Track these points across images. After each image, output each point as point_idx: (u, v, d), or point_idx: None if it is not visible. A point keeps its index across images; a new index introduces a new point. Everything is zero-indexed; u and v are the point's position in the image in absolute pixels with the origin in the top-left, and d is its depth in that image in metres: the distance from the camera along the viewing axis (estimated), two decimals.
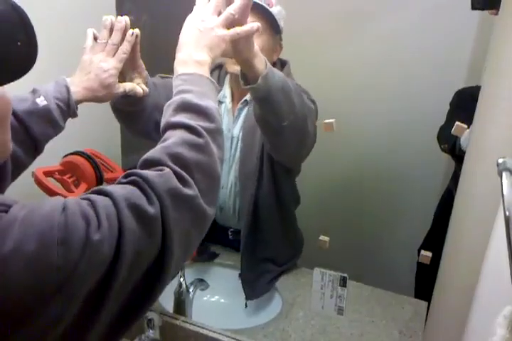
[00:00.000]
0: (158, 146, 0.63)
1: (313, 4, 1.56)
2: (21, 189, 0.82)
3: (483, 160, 0.73)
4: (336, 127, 1.01)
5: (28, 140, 0.79)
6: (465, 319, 0.74)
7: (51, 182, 0.91)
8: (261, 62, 0.86)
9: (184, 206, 0.58)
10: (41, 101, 0.79)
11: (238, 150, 1.23)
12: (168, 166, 0.59)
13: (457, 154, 1.21)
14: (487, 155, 0.72)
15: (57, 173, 0.94)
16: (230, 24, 0.76)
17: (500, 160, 0.52)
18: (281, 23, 1.15)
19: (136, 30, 0.89)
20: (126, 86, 0.91)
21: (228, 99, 1.26)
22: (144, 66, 0.96)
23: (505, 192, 0.49)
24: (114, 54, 0.88)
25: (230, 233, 1.38)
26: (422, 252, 1.00)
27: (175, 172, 0.58)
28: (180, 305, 1.12)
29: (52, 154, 0.87)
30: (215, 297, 1.36)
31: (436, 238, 1.16)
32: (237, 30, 0.76)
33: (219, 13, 0.76)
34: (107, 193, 0.54)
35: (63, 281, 0.48)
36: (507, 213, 0.47)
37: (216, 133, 0.66)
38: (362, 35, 1.58)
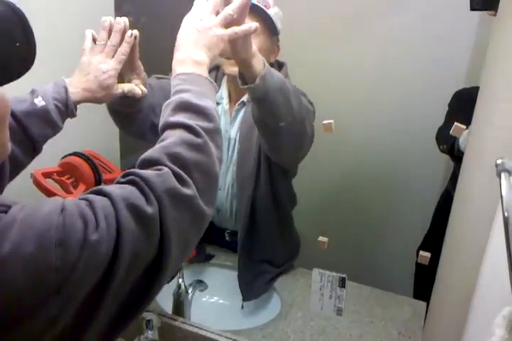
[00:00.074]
0: (157, 146, 0.63)
1: (313, 6, 1.57)
2: (20, 190, 0.82)
3: (482, 161, 0.73)
4: (335, 128, 1.01)
5: (26, 140, 0.79)
6: (464, 319, 0.74)
7: (50, 184, 0.91)
8: (259, 63, 0.86)
9: (183, 206, 0.58)
10: (39, 102, 0.79)
11: (235, 152, 1.23)
12: (166, 166, 0.59)
13: (456, 155, 1.21)
14: (485, 156, 0.72)
15: (55, 174, 0.94)
16: (229, 24, 0.76)
17: (499, 161, 0.52)
18: (278, 25, 1.15)
19: (135, 32, 0.89)
20: (125, 87, 0.91)
21: (225, 100, 1.26)
22: (142, 67, 0.96)
23: (503, 193, 0.49)
24: (113, 55, 0.88)
25: (226, 234, 1.38)
26: (421, 253, 1.00)
27: (173, 172, 0.58)
28: (179, 306, 1.12)
29: (50, 155, 0.87)
30: (213, 298, 1.36)
31: (434, 238, 1.16)
32: (236, 29, 0.76)
33: (217, 13, 0.76)
34: (106, 193, 0.54)
35: (61, 282, 0.48)
36: (506, 214, 0.47)
37: (215, 133, 0.66)
38: (361, 37, 1.58)
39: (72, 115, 0.86)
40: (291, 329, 1.15)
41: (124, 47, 0.88)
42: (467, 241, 0.79)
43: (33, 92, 0.80)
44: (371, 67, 1.59)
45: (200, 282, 1.13)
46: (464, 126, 0.88)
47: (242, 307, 1.26)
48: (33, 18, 0.91)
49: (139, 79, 0.96)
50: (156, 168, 0.59)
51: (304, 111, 1.00)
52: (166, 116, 0.67)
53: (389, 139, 1.65)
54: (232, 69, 1.12)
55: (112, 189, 0.55)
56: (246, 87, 0.88)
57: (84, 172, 0.93)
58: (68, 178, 0.94)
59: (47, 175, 0.92)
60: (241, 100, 1.23)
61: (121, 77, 0.93)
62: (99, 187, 0.57)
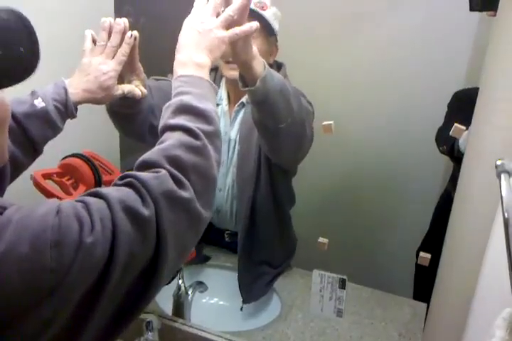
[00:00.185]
0: (156, 148, 0.62)
1: (313, 6, 1.56)
2: (20, 191, 0.82)
3: (482, 161, 0.73)
4: (335, 129, 1.01)
5: (26, 141, 0.79)
6: (464, 321, 0.74)
7: (50, 185, 0.91)
8: (259, 65, 0.86)
9: (179, 208, 0.58)
10: (39, 103, 0.79)
11: (235, 153, 1.23)
12: (164, 168, 0.59)
13: (456, 156, 1.21)
14: (485, 157, 0.72)
15: (55, 176, 0.93)
16: (229, 25, 0.76)
17: (499, 162, 0.52)
18: (275, 25, 1.15)
19: (135, 32, 0.89)
20: (125, 88, 0.91)
21: (225, 102, 1.26)
22: (141, 68, 0.96)
23: (503, 194, 0.49)
24: (113, 56, 0.88)
25: (226, 235, 1.38)
26: (421, 254, 1.00)
27: (171, 175, 0.58)
28: (179, 308, 1.12)
29: (50, 156, 0.87)
30: (214, 299, 1.36)
31: (434, 240, 1.16)
32: (236, 30, 0.76)
33: (218, 14, 0.76)
34: (102, 195, 0.54)
35: (56, 284, 0.48)
36: (506, 215, 0.47)
37: (214, 136, 0.66)
38: (361, 37, 1.58)
39: (73, 116, 0.86)
40: (291, 330, 1.15)
41: (124, 48, 0.88)
42: (467, 242, 0.79)
43: (33, 94, 0.80)
44: (370, 67, 1.59)
45: (200, 283, 1.13)
46: (463, 127, 0.88)
47: (241, 309, 1.26)
48: (32, 19, 0.91)
49: (139, 80, 0.96)
50: (153, 170, 0.59)
51: (304, 112, 1.00)
52: (166, 118, 0.66)
53: (388, 140, 1.65)
54: (231, 72, 1.12)
55: (109, 191, 0.55)
56: (246, 89, 0.88)
57: (84, 173, 0.93)
58: (68, 179, 0.93)
59: (47, 176, 0.92)
60: (240, 101, 1.23)
61: (121, 78, 0.93)
62: (96, 189, 0.57)
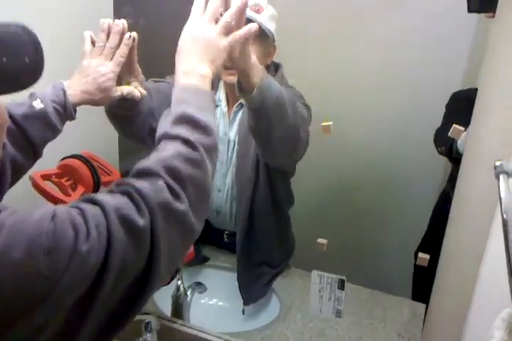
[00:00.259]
0: (154, 157, 0.62)
1: (313, 7, 1.57)
2: (19, 192, 0.82)
3: (480, 162, 0.73)
4: (334, 129, 1.01)
5: (26, 144, 0.79)
6: (463, 321, 0.74)
7: (48, 186, 0.91)
8: (257, 74, 0.86)
9: (174, 220, 0.58)
10: (37, 104, 0.79)
11: (235, 154, 1.23)
12: (162, 178, 0.59)
13: (454, 156, 1.21)
14: (484, 158, 0.72)
15: (54, 176, 0.93)
16: (229, 30, 0.75)
17: (497, 163, 0.52)
18: (272, 27, 1.14)
19: (134, 34, 0.89)
20: (124, 89, 0.91)
21: (223, 103, 1.26)
22: (140, 70, 0.96)
23: (502, 195, 0.49)
24: (112, 57, 0.88)
25: (225, 236, 1.38)
26: (420, 254, 1.00)
27: (168, 186, 0.58)
28: (178, 309, 1.11)
29: (49, 157, 0.87)
30: (213, 300, 1.35)
31: (433, 240, 1.16)
32: (235, 35, 0.75)
33: (216, 20, 0.75)
34: (98, 202, 0.54)
35: (49, 291, 0.48)
36: (504, 216, 0.47)
37: (212, 149, 0.66)
38: (360, 38, 1.58)
39: (72, 118, 0.86)
40: (291, 331, 1.15)
41: (123, 50, 0.88)
42: (466, 242, 0.79)
43: (31, 96, 0.80)
44: (369, 68, 1.59)
45: (199, 284, 1.13)
46: (462, 128, 0.89)
47: (243, 312, 1.26)
48: (32, 20, 0.91)
49: (138, 82, 0.96)
50: (151, 179, 0.58)
51: (299, 118, 1.00)
52: (165, 126, 0.66)
53: (387, 140, 1.65)
54: (230, 78, 1.12)
55: (105, 198, 0.55)
56: (242, 98, 0.89)
57: (83, 174, 0.93)
58: (67, 180, 0.93)
59: (46, 177, 0.91)
60: (239, 102, 1.23)
61: (120, 79, 0.93)
62: (92, 195, 0.56)
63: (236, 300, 1.26)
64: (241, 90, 0.89)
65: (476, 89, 0.77)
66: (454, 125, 0.89)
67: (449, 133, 0.90)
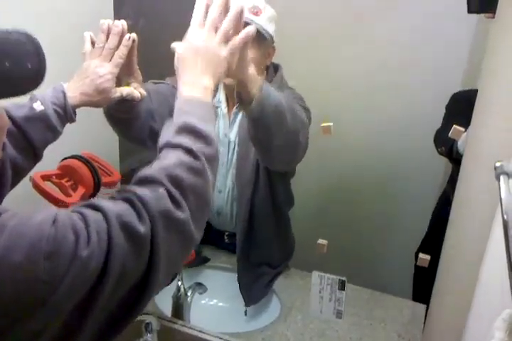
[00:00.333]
0: (156, 165, 0.63)
1: (313, 8, 1.57)
2: (19, 193, 0.82)
3: (481, 163, 0.73)
4: (334, 130, 1.01)
5: (27, 146, 0.79)
6: (463, 322, 0.74)
7: (49, 186, 0.91)
8: (256, 85, 0.86)
9: (174, 229, 0.58)
10: (38, 106, 0.79)
11: (235, 155, 1.24)
12: (164, 186, 0.59)
13: (454, 157, 1.21)
14: (484, 159, 0.72)
15: (54, 177, 0.93)
16: (228, 38, 0.75)
17: (498, 164, 0.52)
18: (271, 28, 1.13)
19: (133, 35, 0.89)
20: (124, 90, 0.91)
21: (223, 104, 1.26)
22: (139, 71, 0.96)
23: (503, 196, 0.49)
24: (111, 58, 0.87)
25: (226, 236, 1.38)
26: (420, 255, 1.00)
27: (169, 194, 0.59)
28: (179, 309, 1.11)
29: (49, 158, 0.87)
30: (213, 300, 1.35)
31: (433, 241, 1.16)
32: (235, 41, 0.75)
33: (216, 29, 0.75)
34: (99, 208, 0.55)
35: (48, 295, 0.48)
36: (505, 216, 0.47)
37: (213, 158, 0.67)
38: (360, 38, 1.58)
39: (72, 120, 0.86)
40: (291, 332, 1.15)
41: (122, 51, 0.87)
42: (466, 243, 0.79)
43: (31, 98, 0.80)
44: (369, 69, 1.59)
45: (200, 284, 1.13)
46: (462, 129, 0.89)
47: (246, 313, 1.26)
48: (32, 21, 0.91)
49: (137, 83, 0.96)
50: (152, 187, 0.59)
51: (299, 123, 0.99)
52: (168, 135, 0.66)
53: (387, 141, 1.65)
54: (229, 79, 1.12)
55: (107, 204, 0.55)
56: (243, 108, 0.89)
57: (83, 175, 0.93)
58: (67, 181, 0.93)
59: (46, 177, 0.91)
60: (239, 103, 1.23)
61: (119, 81, 0.93)
62: (93, 201, 0.57)
63: (236, 301, 1.26)
64: (240, 101, 0.89)
65: (477, 90, 0.77)
66: (454, 126, 0.89)
67: (449, 134, 0.90)
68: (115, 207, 0.55)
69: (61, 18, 1.08)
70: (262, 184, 1.19)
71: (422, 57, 1.52)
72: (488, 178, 0.55)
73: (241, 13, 0.74)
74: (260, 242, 1.25)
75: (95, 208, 0.55)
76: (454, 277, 0.83)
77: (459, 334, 0.75)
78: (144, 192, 0.58)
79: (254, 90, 0.86)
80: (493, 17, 0.73)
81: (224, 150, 1.25)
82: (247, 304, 1.25)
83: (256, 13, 1.09)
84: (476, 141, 0.77)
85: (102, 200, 0.56)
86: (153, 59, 1.44)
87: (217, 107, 1.25)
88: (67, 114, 0.83)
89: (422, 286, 1.24)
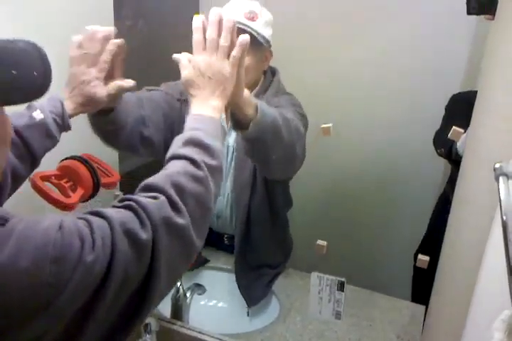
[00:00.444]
0: (161, 173, 0.66)
1: (313, 8, 1.57)
2: (18, 194, 0.82)
3: (480, 164, 0.73)
4: (333, 131, 1.01)
5: (27, 154, 0.81)
6: (463, 323, 0.74)
7: (48, 187, 0.91)
8: (251, 108, 0.86)
9: (175, 234, 0.60)
10: (38, 115, 0.80)
11: (233, 159, 1.24)
12: (166, 193, 0.62)
13: (454, 158, 1.21)
14: (484, 160, 0.72)
15: (53, 178, 0.93)
16: (228, 51, 0.78)
17: (497, 165, 0.52)
18: (267, 33, 1.13)
19: (118, 40, 0.89)
20: (110, 87, 0.89)
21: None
22: (122, 78, 0.94)
23: (502, 197, 0.49)
24: (96, 64, 0.88)
25: (225, 239, 1.39)
26: (419, 256, 1.00)
27: (170, 200, 0.61)
28: (178, 310, 1.11)
29: (49, 159, 0.87)
30: (212, 301, 1.35)
31: (432, 242, 1.16)
32: (234, 54, 0.77)
33: (217, 47, 0.77)
34: (104, 216, 0.56)
35: (52, 299, 0.49)
36: (504, 217, 0.47)
37: (216, 170, 0.70)
38: (360, 40, 1.58)
39: (68, 128, 0.87)
40: (290, 332, 1.15)
41: (105, 56, 0.88)
42: (466, 244, 0.79)
43: (29, 107, 0.81)
44: (369, 70, 1.59)
45: (199, 285, 1.13)
46: (462, 130, 0.89)
47: (248, 314, 1.27)
48: (32, 21, 0.91)
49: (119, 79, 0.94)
50: (153, 195, 0.61)
51: (295, 136, 0.99)
52: (175, 147, 0.70)
53: (387, 142, 1.65)
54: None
55: (110, 212, 0.57)
56: (238, 130, 0.89)
57: (82, 175, 0.93)
58: (66, 182, 0.93)
59: (45, 178, 0.91)
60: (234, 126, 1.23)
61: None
62: (98, 209, 0.58)
63: (235, 302, 1.26)
64: (236, 124, 0.88)
65: (476, 92, 0.77)
66: (453, 127, 0.89)
67: (449, 135, 0.90)
68: (119, 215, 0.57)
69: (61, 18, 1.08)
70: (259, 187, 1.20)
71: (422, 59, 1.52)
72: (488, 179, 0.55)
73: (233, 27, 0.77)
74: (258, 244, 1.26)
75: (100, 215, 0.57)
76: (453, 278, 0.83)
77: (458, 336, 0.75)
78: (146, 200, 0.60)
79: (251, 112, 0.86)
80: (493, 19, 0.73)
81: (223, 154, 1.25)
82: (249, 305, 1.25)
83: (252, 19, 1.09)
84: (475, 142, 0.77)
85: (106, 209, 0.58)
86: (152, 58, 1.44)
87: None
88: (64, 122, 0.85)
89: (421, 287, 1.24)
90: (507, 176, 0.51)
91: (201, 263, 1.38)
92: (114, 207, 0.60)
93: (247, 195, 1.20)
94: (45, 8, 1.05)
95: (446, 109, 1.41)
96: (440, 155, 1.32)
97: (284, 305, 1.26)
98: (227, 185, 1.28)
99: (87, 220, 0.55)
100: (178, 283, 1.10)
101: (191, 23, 0.78)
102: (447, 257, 0.86)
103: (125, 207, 0.59)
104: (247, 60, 0.82)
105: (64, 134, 0.88)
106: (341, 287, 1.01)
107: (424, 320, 1.09)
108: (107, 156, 1.08)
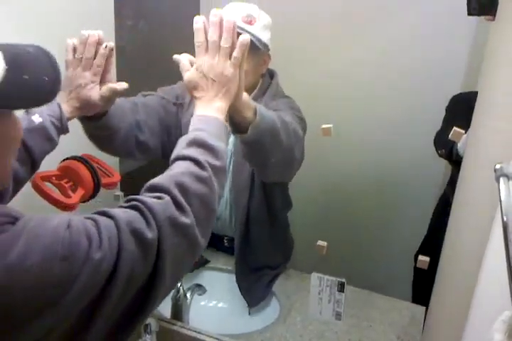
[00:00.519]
0: (166, 174, 0.67)
1: (313, 8, 1.57)
2: (19, 194, 0.82)
3: (481, 165, 0.73)
4: (334, 131, 1.01)
5: (27, 157, 0.82)
6: (463, 324, 0.74)
7: (48, 187, 0.91)
8: (250, 111, 0.86)
9: (180, 233, 0.61)
10: (36, 119, 0.82)
11: (231, 163, 1.24)
12: (170, 193, 0.63)
13: (454, 159, 1.21)
14: (484, 161, 0.72)
15: (54, 178, 0.93)
16: (230, 53, 0.78)
17: (498, 166, 0.52)
18: (265, 36, 1.12)
19: (110, 44, 0.90)
20: (103, 90, 0.90)
21: None
22: (114, 80, 0.95)
23: (502, 198, 0.49)
24: (90, 67, 0.89)
25: (225, 241, 1.39)
26: (420, 257, 1.00)
27: (175, 200, 0.62)
28: (178, 310, 1.11)
29: (49, 159, 0.87)
30: (212, 302, 1.35)
31: (433, 243, 1.16)
32: (235, 55, 0.77)
33: (219, 49, 0.78)
34: (111, 215, 0.58)
35: (60, 296, 0.50)
36: (504, 218, 0.47)
37: (220, 171, 0.70)
38: (361, 41, 1.58)
39: (67, 131, 0.88)
40: (290, 333, 1.15)
41: (98, 59, 0.89)
42: (466, 245, 0.79)
43: (28, 111, 0.82)
44: (369, 71, 1.59)
45: (199, 286, 1.13)
46: (462, 131, 0.89)
47: (249, 313, 1.27)
48: (33, 21, 0.91)
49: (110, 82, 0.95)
50: (158, 195, 0.63)
51: (293, 139, 0.99)
52: (180, 149, 0.71)
53: (387, 143, 1.65)
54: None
55: (117, 212, 0.59)
56: (236, 133, 0.89)
57: (83, 176, 0.93)
58: (67, 182, 0.93)
59: (46, 178, 0.92)
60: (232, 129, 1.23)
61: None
62: (105, 209, 0.60)
63: (236, 302, 1.26)
64: (235, 127, 0.88)
65: (477, 93, 0.77)
66: (454, 128, 0.89)
67: (450, 136, 0.90)
68: (125, 215, 0.58)
69: (61, 18, 1.08)
70: (257, 189, 1.20)
71: (422, 59, 1.52)
72: (488, 180, 0.55)
73: (234, 28, 0.77)
74: (258, 245, 1.26)
75: (107, 215, 0.58)
76: (454, 279, 0.83)
77: (459, 336, 0.75)
78: (151, 200, 0.61)
79: (250, 114, 0.86)
80: (493, 19, 0.73)
81: None
82: (251, 305, 1.26)
83: (250, 22, 1.09)
84: (476, 142, 0.77)
85: (112, 209, 0.60)
86: (152, 59, 1.44)
87: None
88: (63, 125, 0.86)
89: (422, 288, 1.24)
90: (507, 177, 0.51)
91: (201, 263, 1.38)
92: (120, 207, 0.61)
93: (246, 197, 1.21)
94: (45, 8, 1.05)
95: (446, 109, 1.41)
96: (441, 156, 1.32)
97: (285, 305, 1.26)
98: (227, 188, 1.28)
99: (94, 220, 0.56)
100: (179, 284, 1.10)
101: (192, 24, 0.78)
102: (447, 258, 0.86)
103: (131, 207, 0.60)
104: (244, 64, 0.82)
105: (63, 135, 0.88)
106: (341, 288, 1.01)
107: (425, 320, 1.09)
108: (108, 156, 1.09)
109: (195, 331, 1.05)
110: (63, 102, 0.88)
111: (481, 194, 0.73)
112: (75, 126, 0.95)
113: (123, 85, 0.92)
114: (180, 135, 0.74)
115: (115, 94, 0.92)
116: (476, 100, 0.77)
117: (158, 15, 1.54)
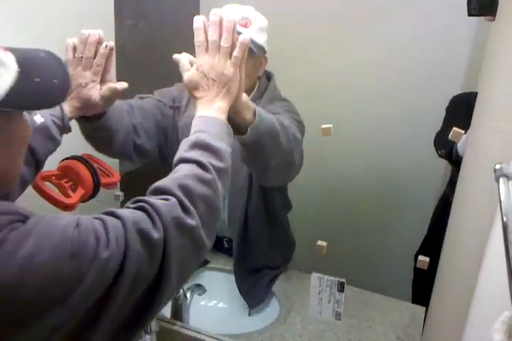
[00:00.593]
0: (170, 176, 0.68)
1: (313, 8, 1.57)
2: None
3: (480, 165, 0.73)
4: (334, 132, 1.01)
5: (31, 158, 0.82)
6: (463, 324, 0.74)
7: (48, 187, 0.91)
8: (249, 112, 0.86)
9: (185, 234, 0.62)
10: (38, 119, 0.82)
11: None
12: (175, 196, 0.63)
13: (454, 159, 1.21)
14: (484, 161, 0.72)
15: (54, 178, 0.93)
16: (230, 52, 0.78)
17: (497, 166, 0.52)
18: (261, 39, 1.12)
19: (110, 43, 0.90)
20: (104, 90, 0.91)
21: None
22: (114, 80, 0.95)
23: (502, 198, 0.49)
24: (90, 67, 0.90)
25: (225, 242, 1.39)
26: (420, 257, 1.00)
27: (180, 202, 0.63)
28: (178, 310, 1.11)
29: (49, 158, 0.87)
30: (212, 302, 1.35)
31: (433, 243, 1.16)
32: (236, 55, 0.77)
33: (219, 49, 0.78)
34: (118, 216, 0.59)
35: (68, 294, 0.51)
36: (504, 218, 0.47)
37: (223, 172, 0.71)
38: (361, 41, 1.58)
39: (69, 130, 0.89)
40: (290, 333, 1.15)
41: (99, 59, 0.90)
42: (466, 245, 0.79)
43: (29, 112, 0.82)
44: (370, 71, 1.59)
45: (199, 286, 1.13)
46: (462, 131, 0.89)
47: (250, 314, 1.27)
48: (32, 20, 0.91)
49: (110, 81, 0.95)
50: (164, 197, 0.63)
51: (293, 142, 0.99)
52: (182, 151, 0.71)
53: (387, 143, 1.65)
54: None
55: (124, 212, 0.60)
56: (236, 135, 0.88)
57: (83, 175, 0.93)
58: (67, 182, 0.94)
59: (46, 178, 0.92)
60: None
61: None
62: (112, 209, 0.60)
63: (236, 302, 1.26)
64: (233, 127, 0.86)
65: (477, 93, 0.77)
66: (454, 128, 0.89)
67: (450, 136, 0.90)
68: (132, 215, 0.59)
69: (61, 18, 1.08)
70: (256, 191, 1.20)
71: (422, 59, 1.52)
72: (488, 180, 0.55)
73: (234, 27, 0.77)
74: (257, 246, 1.26)
75: (114, 215, 0.59)
76: (454, 279, 0.83)
77: (459, 337, 0.75)
78: (157, 201, 0.62)
79: (249, 116, 0.86)
80: (494, 20, 0.73)
81: None
82: (251, 306, 1.26)
83: (245, 25, 1.08)
84: (475, 143, 0.77)
85: (119, 210, 0.60)
86: (152, 58, 1.44)
87: None
88: (65, 124, 0.87)
89: (422, 288, 1.24)
90: (507, 177, 0.51)
91: (202, 264, 1.38)
92: (127, 207, 0.62)
93: (244, 198, 1.21)
94: (45, 8, 1.05)
95: (446, 110, 1.41)
96: (441, 156, 1.32)
97: (284, 305, 1.26)
98: None
99: (102, 220, 0.57)
100: None
101: (192, 24, 0.78)
102: (447, 258, 0.86)
103: (138, 208, 0.61)
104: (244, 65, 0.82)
105: (65, 134, 0.88)
106: (341, 288, 1.01)
107: (425, 321, 1.09)
108: (108, 156, 1.09)
109: (195, 331, 1.05)
110: (64, 102, 0.87)
111: (481, 194, 0.73)
112: (76, 125, 0.95)
113: (123, 85, 0.92)
114: (177, 138, 0.74)
115: (115, 93, 0.92)
116: (476, 100, 0.77)
117: (158, 15, 1.54)
